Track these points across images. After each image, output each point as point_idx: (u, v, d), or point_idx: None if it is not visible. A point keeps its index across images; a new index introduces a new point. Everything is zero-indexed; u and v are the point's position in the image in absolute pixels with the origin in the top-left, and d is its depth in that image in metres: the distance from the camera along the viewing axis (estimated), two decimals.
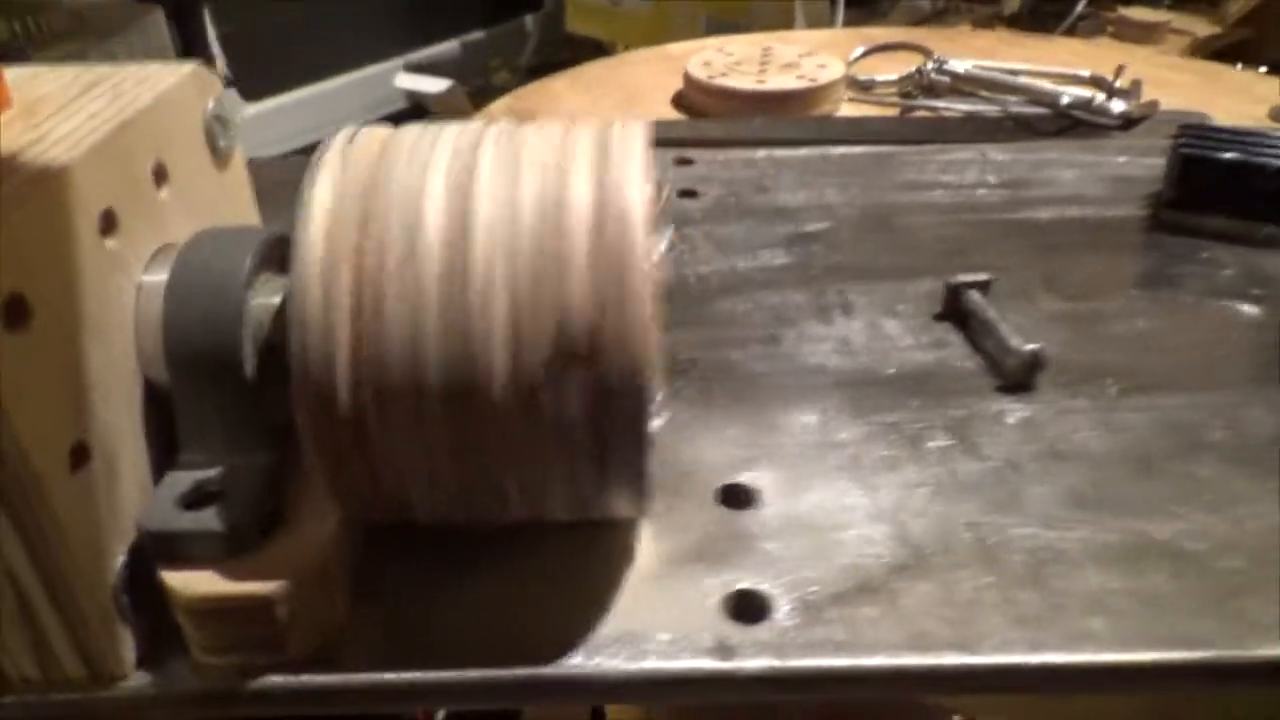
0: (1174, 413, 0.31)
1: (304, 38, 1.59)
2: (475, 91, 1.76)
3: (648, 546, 0.26)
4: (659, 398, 0.28)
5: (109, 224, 0.22)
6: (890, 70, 0.67)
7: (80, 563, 0.21)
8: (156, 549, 0.22)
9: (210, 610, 0.22)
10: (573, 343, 0.20)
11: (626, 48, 1.43)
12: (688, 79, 0.64)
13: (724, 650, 0.23)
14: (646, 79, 0.69)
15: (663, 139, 0.59)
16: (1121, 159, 0.49)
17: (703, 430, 0.30)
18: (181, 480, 0.23)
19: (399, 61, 1.76)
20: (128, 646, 0.22)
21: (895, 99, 0.65)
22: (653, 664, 0.23)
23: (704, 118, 0.63)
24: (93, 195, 0.21)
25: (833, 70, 0.63)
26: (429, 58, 1.81)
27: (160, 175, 0.24)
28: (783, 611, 0.24)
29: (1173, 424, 0.31)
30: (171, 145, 0.25)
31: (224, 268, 0.23)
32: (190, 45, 0.51)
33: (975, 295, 0.36)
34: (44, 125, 0.22)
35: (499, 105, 0.65)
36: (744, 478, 0.28)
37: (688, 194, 0.48)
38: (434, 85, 1.65)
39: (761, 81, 0.61)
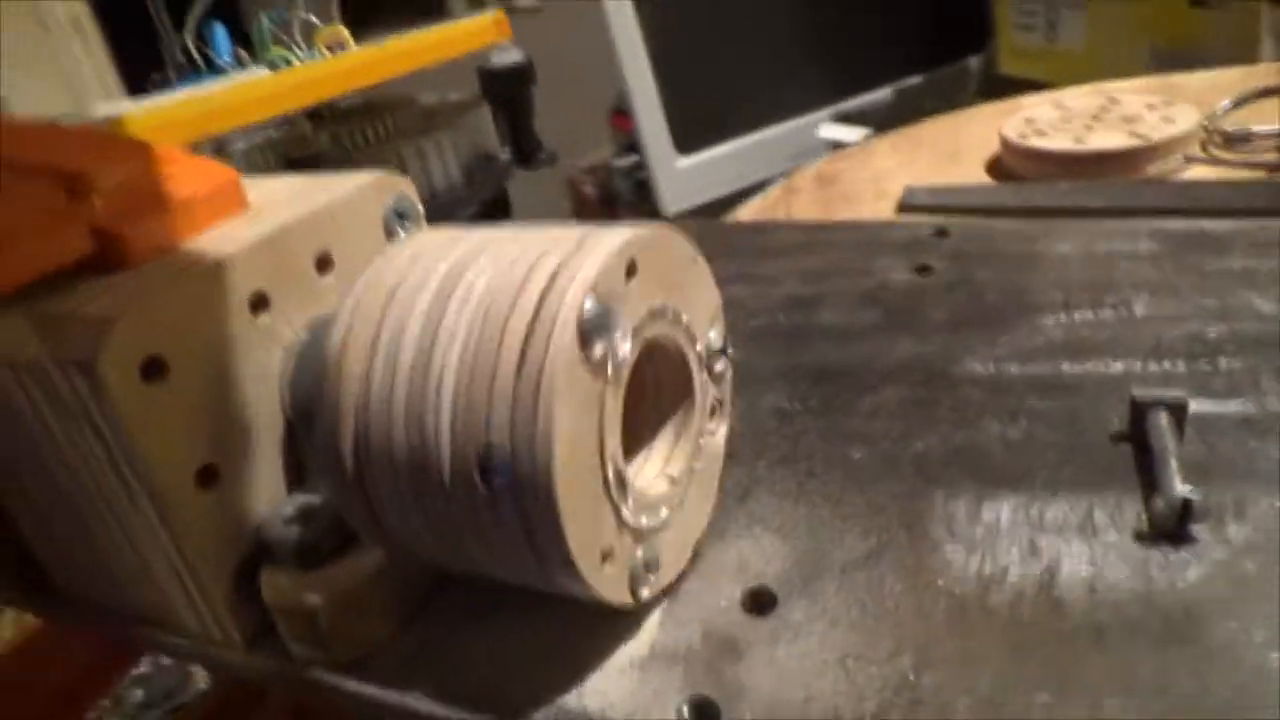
0: None
1: (739, 94, 1.72)
2: None
3: (650, 633, 0.27)
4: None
5: (260, 303, 0.29)
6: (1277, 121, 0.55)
7: (207, 554, 0.28)
8: (258, 553, 0.29)
9: (278, 607, 0.28)
10: (492, 437, 0.22)
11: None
12: (1001, 140, 0.59)
13: None
14: (976, 139, 0.65)
15: (928, 206, 0.56)
16: None
17: (774, 525, 0.30)
18: (295, 502, 0.30)
19: (830, 110, 1.81)
20: (243, 621, 0.29)
21: (1275, 158, 0.53)
22: None
23: (1019, 182, 0.58)
24: (243, 282, 0.29)
25: (1182, 124, 0.54)
26: (860, 105, 1.84)
27: (324, 263, 0.31)
28: None
29: None
30: (342, 238, 0.32)
31: None
32: (516, 133, 0.61)
33: (1161, 417, 0.30)
34: (242, 225, 0.30)
35: (809, 171, 0.66)
36: (775, 582, 0.27)
37: (923, 270, 0.45)
38: (853, 134, 1.68)
39: (1080, 140, 0.54)
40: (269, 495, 0.30)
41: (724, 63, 1.69)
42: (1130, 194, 0.50)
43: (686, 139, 1.64)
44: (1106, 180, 0.53)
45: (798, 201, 0.61)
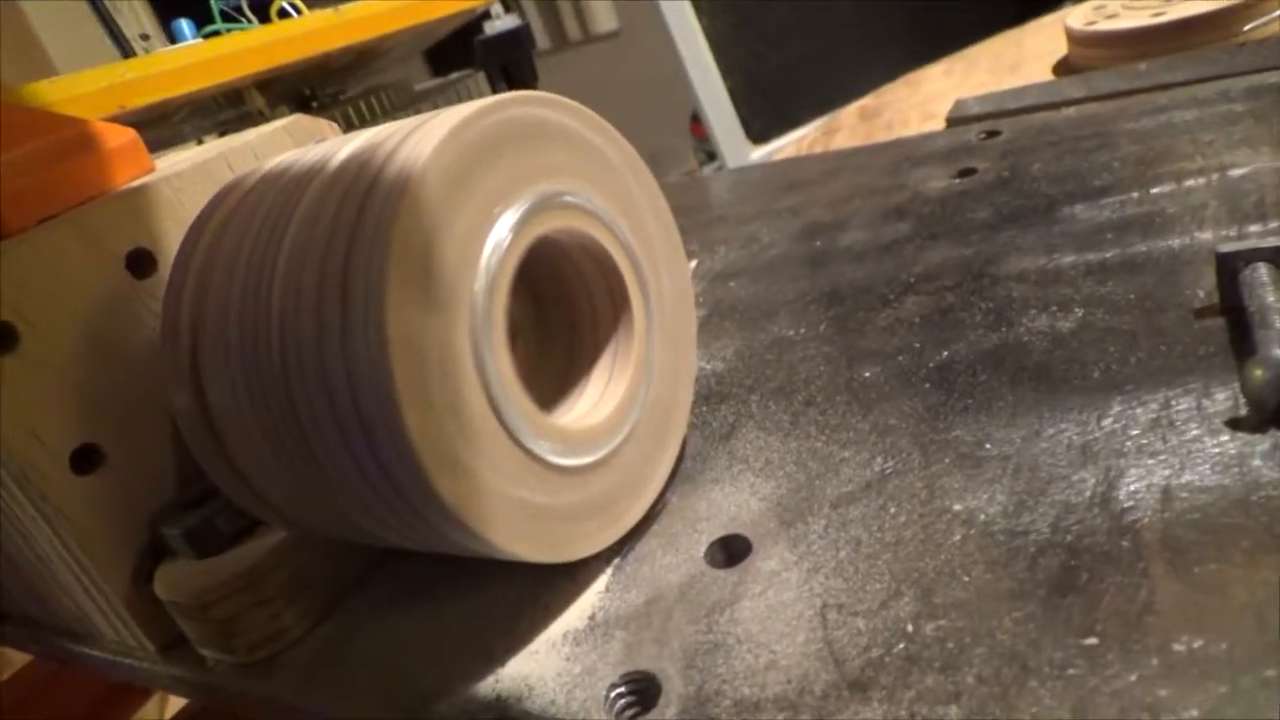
0: None
1: (808, 78, 1.64)
2: None
3: (592, 600, 0.21)
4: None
5: (144, 262, 0.26)
6: None
7: (96, 548, 0.24)
8: (156, 545, 0.25)
9: (174, 603, 0.24)
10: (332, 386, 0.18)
11: None
12: (1066, 33, 0.51)
13: None
14: (1040, 49, 0.57)
15: (980, 115, 0.48)
16: None
17: (758, 464, 0.24)
18: (197, 488, 0.26)
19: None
20: (154, 626, 0.25)
21: None
22: None
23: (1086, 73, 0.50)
24: (116, 239, 0.25)
25: None
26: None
27: None
28: (670, 710, 0.18)
29: None
30: None
31: None
32: None
33: (1259, 271, 0.22)
34: (134, 183, 0.27)
35: (852, 108, 0.60)
36: (749, 528, 0.22)
37: (965, 173, 0.38)
38: None
39: (1159, 14, 0.46)
40: (174, 483, 0.26)
41: (789, 49, 1.62)
42: (1220, 61, 0.41)
43: (758, 129, 1.58)
44: (1191, 52, 0.45)
45: (836, 139, 0.55)
